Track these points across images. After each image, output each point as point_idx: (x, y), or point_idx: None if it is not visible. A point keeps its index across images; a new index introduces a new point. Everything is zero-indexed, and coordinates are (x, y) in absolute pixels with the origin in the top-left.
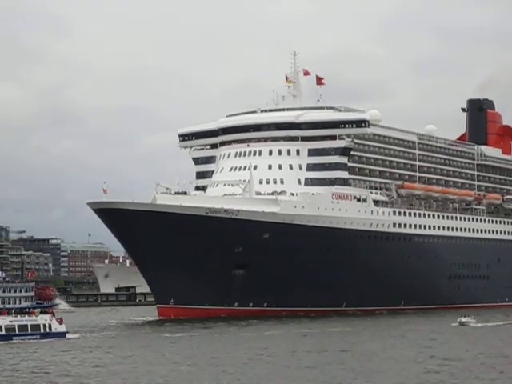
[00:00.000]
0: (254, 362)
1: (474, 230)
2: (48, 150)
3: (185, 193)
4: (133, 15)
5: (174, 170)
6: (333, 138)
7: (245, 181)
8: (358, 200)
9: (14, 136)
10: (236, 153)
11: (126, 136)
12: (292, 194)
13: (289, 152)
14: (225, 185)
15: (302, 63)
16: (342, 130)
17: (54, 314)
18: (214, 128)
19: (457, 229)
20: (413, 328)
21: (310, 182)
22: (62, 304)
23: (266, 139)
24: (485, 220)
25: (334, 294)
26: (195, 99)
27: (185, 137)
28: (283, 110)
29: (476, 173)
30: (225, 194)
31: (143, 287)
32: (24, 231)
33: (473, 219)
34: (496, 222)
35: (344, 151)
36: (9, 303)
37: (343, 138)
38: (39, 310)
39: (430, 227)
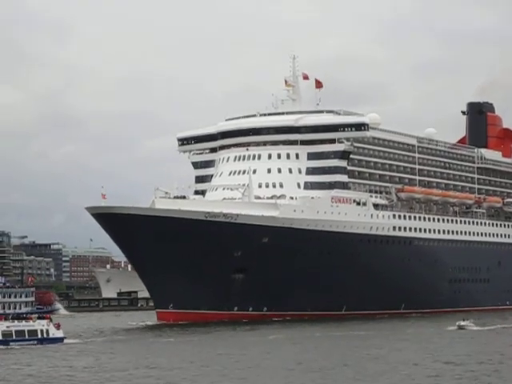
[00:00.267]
0: (257, 367)
1: (474, 233)
2: (48, 154)
3: (184, 197)
4: (132, 17)
5: (174, 174)
6: (332, 141)
7: (244, 185)
8: (358, 204)
9: (14, 141)
10: (235, 157)
11: (125, 140)
12: (291, 198)
13: (288, 156)
14: (224, 189)
15: (301, 66)
16: (341, 133)
17: (51, 320)
18: (213, 132)
19: (457, 232)
20: (414, 331)
21: (309, 185)
22: (61, 309)
23: (265, 143)
24: (485, 223)
25: (334, 297)
26: (194, 103)
27: (184, 141)
28: (282, 113)
29: (476, 176)
30: (224, 198)
31: (145, 292)
32: (26, 236)
33: (473, 222)
34: (496, 225)
35: (343, 155)
36: (9, 308)
37: (342, 142)
38: (36, 315)
39: (430, 231)
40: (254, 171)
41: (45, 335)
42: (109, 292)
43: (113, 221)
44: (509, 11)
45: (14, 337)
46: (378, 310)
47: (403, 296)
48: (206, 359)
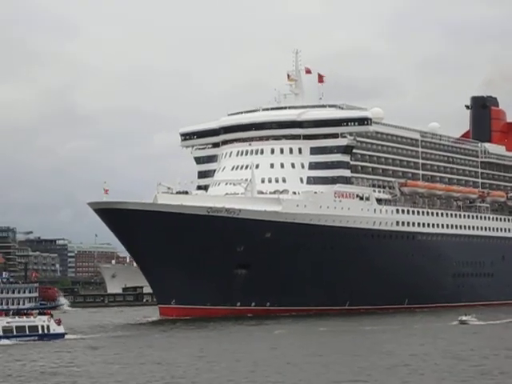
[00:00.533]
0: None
1: (478, 227)
2: (53, 151)
3: (186, 192)
4: (133, 15)
5: (176, 170)
6: (335, 136)
7: (247, 180)
8: (361, 198)
9: (19, 138)
10: (238, 152)
11: (129, 136)
12: (294, 193)
13: (291, 150)
14: (227, 184)
15: (304, 61)
16: (344, 128)
17: (52, 315)
18: (215, 127)
19: (461, 227)
20: (419, 326)
21: (312, 180)
22: (65, 305)
23: (267, 138)
24: (489, 218)
25: (337, 292)
26: (197, 99)
27: (186, 136)
28: (285, 108)
29: (480, 170)
30: (226, 193)
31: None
32: (31, 232)
33: (477, 217)
34: (500, 219)
35: (346, 149)
36: (12, 304)
37: (345, 136)
38: (37, 311)
39: (433, 225)
40: (257, 166)
41: (45, 331)
42: (114, 287)
43: (115, 216)
44: None
45: (14, 332)
46: (381, 305)
47: (407, 291)
48: (212, 355)
